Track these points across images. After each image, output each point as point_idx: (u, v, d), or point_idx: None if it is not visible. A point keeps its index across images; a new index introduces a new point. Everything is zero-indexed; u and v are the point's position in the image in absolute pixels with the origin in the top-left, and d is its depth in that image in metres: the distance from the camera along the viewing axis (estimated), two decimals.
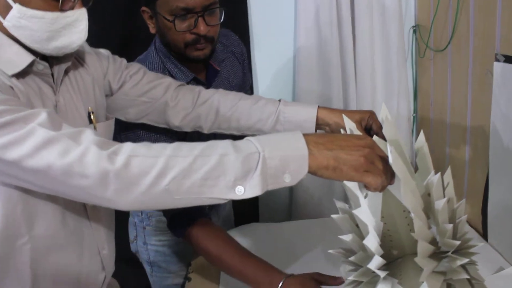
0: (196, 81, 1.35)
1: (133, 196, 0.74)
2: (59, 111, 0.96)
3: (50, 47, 0.88)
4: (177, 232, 1.20)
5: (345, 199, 1.93)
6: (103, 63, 1.11)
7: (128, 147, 0.75)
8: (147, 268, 1.60)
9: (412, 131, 2.09)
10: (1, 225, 0.86)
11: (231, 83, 1.44)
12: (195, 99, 1.20)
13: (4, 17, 0.84)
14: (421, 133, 0.89)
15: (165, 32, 1.25)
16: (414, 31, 2.01)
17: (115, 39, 1.83)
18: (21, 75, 0.88)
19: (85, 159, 0.73)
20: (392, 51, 1.95)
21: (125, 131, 1.26)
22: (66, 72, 0.99)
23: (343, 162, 0.74)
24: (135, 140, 1.25)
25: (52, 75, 0.95)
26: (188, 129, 1.22)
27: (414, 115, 2.08)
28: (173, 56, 1.31)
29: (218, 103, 1.19)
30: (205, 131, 1.22)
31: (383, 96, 1.97)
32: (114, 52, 1.20)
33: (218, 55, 1.40)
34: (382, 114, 0.93)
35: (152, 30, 1.30)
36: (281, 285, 1.03)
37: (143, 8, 1.28)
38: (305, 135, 0.77)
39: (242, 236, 1.50)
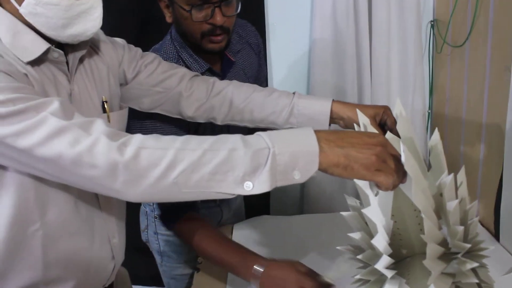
0: (210, 72, 1.35)
1: (142, 188, 0.74)
2: (74, 100, 0.97)
3: (65, 34, 0.88)
4: (167, 226, 1.25)
5: (357, 195, 1.91)
6: (118, 52, 1.12)
7: (137, 139, 0.75)
8: (157, 258, 1.61)
9: (427, 127, 2.06)
10: (14, 210, 0.87)
11: (247, 74, 1.44)
12: (209, 90, 1.20)
13: (20, 4, 0.85)
14: (436, 131, 0.88)
15: (181, 22, 1.25)
16: (432, 26, 1.97)
17: (131, 28, 1.84)
18: (36, 62, 0.88)
19: (95, 149, 0.73)
20: (409, 45, 1.92)
21: (132, 119, 1.27)
22: (81, 60, 1.00)
23: (354, 160, 0.73)
24: (140, 129, 1.26)
25: (67, 63, 0.96)
26: (201, 120, 1.22)
27: (429, 111, 2.06)
28: (189, 46, 1.32)
29: (232, 95, 1.19)
30: (219, 123, 1.22)
31: (398, 91, 1.94)
32: (130, 41, 1.20)
33: (233, 46, 1.40)
34: (397, 110, 0.93)
35: (169, 19, 1.30)
36: (263, 270, 1.05)
37: None
38: (316, 131, 0.76)
39: (253, 229, 1.50)
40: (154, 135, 0.77)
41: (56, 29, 0.87)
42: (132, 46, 1.18)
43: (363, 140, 0.75)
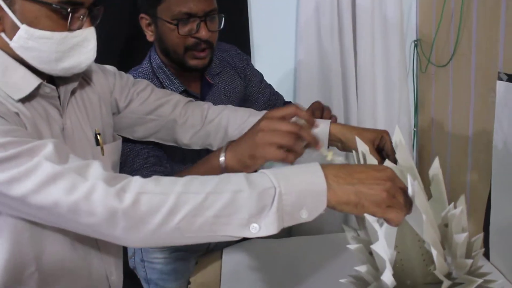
0: (187, 93, 1.33)
1: (143, 234, 0.71)
2: (66, 134, 0.94)
3: (58, 68, 0.86)
4: None
5: (345, 219, 1.91)
6: (109, 80, 1.09)
7: (137, 183, 0.72)
8: (144, 285, 1.57)
9: (413, 145, 2.08)
10: (8, 255, 0.82)
11: (230, 97, 1.43)
12: (204, 116, 1.17)
13: (11, 38, 0.82)
14: (436, 160, 0.87)
15: (165, 37, 1.26)
16: (416, 45, 2.00)
17: (115, 50, 1.82)
18: (27, 98, 0.85)
19: (92, 197, 0.70)
20: (393, 64, 1.94)
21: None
22: (73, 92, 0.97)
23: (364, 197, 0.71)
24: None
25: (59, 97, 0.93)
26: (197, 147, 1.20)
27: (415, 129, 2.07)
28: (169, 65, 1.31)
29: (227, 121, 1.16)
30: (214, 149, 1.18)
31: (384, 110, 1.95)
32: (114, 62, 1.17)
33: (212, 68, 1.40)
34: (396, 138, 0.91)
35: (150, 38, 1.30)
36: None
37: (142, 15, 1.28)
38: (323, 167, 0.73)
39: (243, 252, 1.48)
40: (154, 177, 0.74)
41: (49, 63, 0.85)
42: (123, 73, 1.16)
43: (372, 175, 0.73)
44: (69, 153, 0.76)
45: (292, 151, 0.87)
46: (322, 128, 1.11)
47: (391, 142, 1.04)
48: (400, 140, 0.88)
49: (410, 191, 0.73)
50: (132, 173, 1.11)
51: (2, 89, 0.82)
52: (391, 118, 1.97)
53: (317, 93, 1.93)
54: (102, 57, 1.11)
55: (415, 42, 2.00)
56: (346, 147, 1.11)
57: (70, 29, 0.84)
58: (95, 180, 0.71)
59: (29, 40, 0.81)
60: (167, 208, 0.69)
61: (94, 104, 1.03)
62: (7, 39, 0.83)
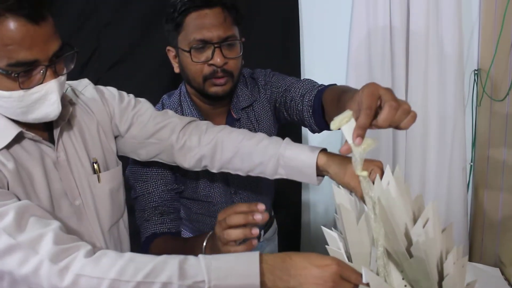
0: None
1: None
2: (60, 166, 1.00)
3: (30, 119, 0.92)
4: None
5: None
6: (109, 106, 1.14)
7: (78, 264, 0.79)
8: None
9: (468, 182, 1.96)
10: None
11: (253, 132, 1.34)
12: (200, 139, 1.17)
13: None
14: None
15: (185, 67, 1.26)
16: (476, 75, 1.88)
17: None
18: (16, 141, 0.93)
19: (39, 273, 0.79)
20: (449, 95, 1.84)
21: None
22: (69, 122, 1.03)
23: None
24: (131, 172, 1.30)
25: (51, 134, 1.00)
26: (198, 169, 1.20)
27: (472, 164, 1.95)
28: (194, 95, 1.32)
29: (221, 143, 1.16)
30: (214, 171, 1.19)
31: (435, 142, 1.86)
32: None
33: (240, 102, 1.36)
34: (386, 176, 0.86)
35: (176, 69, 1.31)
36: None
37: (168, 47, 1.30)
38: (264, 257, 0.78)
39: None
40: (96, 256, 0.81)
41: (18, 116, 0.91)
42: (124, 94, 1.20)
43: (312, 274, 0.75)
44: (29, 218, 0.83)
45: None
46: (309, 158, 1.05)
47: (383, 174, 0.93)
48: (389, 179, 0.82)
49: (364, 279, 0.74)
50: (143, 220, 1.26)
51: None
52: (443, 152, 1.87)
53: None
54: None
55: (476, 72, 1.88)
56: (334, 178, 1.03)
57: (25, 88, 0.87)
58: (43, 256, 0.79)
59: None
60: None
61: (92, 132, 1.08)
62: None
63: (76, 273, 0.78)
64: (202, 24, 1.20)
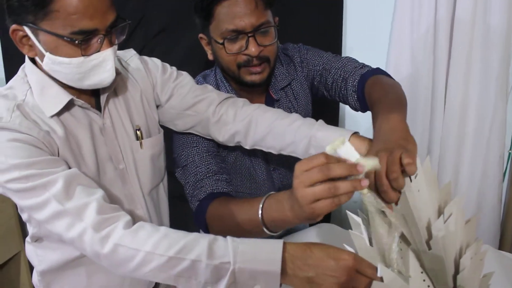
0: None
1: (122, 273, 0.89)
2: (106, 132, 1.08)
3: (85, 85, 1.00)
4: (200, 222, 1.17)
5: None
6: (152, 76, 1.19)
7: (117, 234, 0.87)
8: None
9: (505, 169, 1.93)
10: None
11: (292, 110, 1.38)
12: (236, 115, 1.21)
13: (42, 62, 0.97)
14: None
15: (218, 56, 1.26)
16: None
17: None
18: (67, 109, 1.01)
19: (83, 238, 0.88)
20: (491, 78, 1.80)
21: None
22: (115, 91, 1.10)
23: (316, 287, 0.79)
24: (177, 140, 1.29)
25: (98, 102, 1.07)
26: (231, 144, 1.24)
27: (511, 151, 1.92)
28: (230, 80, 1.32)
29: (256, 121, 1.19)
30: (247, 147, 1.22)
31: (473, 130, 1.84)
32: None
33: (278, 82, 1.35)
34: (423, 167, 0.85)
35: (210, 56, 1.31)
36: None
37: (200, 35, 1.30)
38: (287, 246, 0.82)
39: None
40: (135, 227, 0.89)
41: (75, 82, 0.99)
42: (167, 66, 1.24)
43: (328, 266, 0.79)
44: (77, 186, 0.92)
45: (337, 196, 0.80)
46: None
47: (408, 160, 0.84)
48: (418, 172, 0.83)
49: (379, 274, 0.76)
50: (197, 183, 1.20)
51: (40, 105, 0.98)
52: (481, 137, 1.85)
53: None
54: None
55: None
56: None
57: (85, 55, 0.94)
58: (87, 224, 0.88)
59: (53, 65, 0.96)
60: (137, 261, 0.86)
61: (136, 100, 1.15)
62: (41, 62, 0.98)
63: (116, 242, 0.87)
64: (234, 13, 1.17)
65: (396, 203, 0.83)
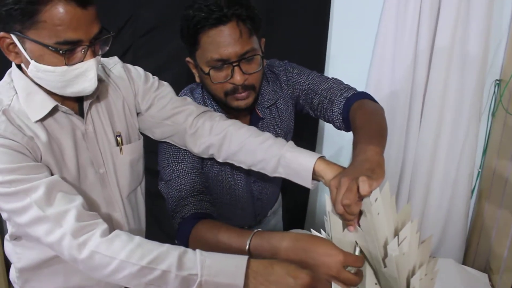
0: None
1: (97, 276, 0.95)
2: (88, 137, 1.12)
3: (68, 92, 1.03)
4: (182, 239, 1.19)
5: None
6: (134, 85, 1.23)
7: (94, 241, 0.93)
8: None
9: (473, 187, 2.01)
10: None
11: (277, 129, 1.42)
12: (212, 129, 1.24)
13: (27, 69, 1.01)
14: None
15: (205, 84, 1.27)
16: (496, 86, 1.91)
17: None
18: (50, 114, 1.05)
19: (61, 243, 0.94)
20: (466, 102, 1.87)
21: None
22: (98, 98, 1.14)
23: None
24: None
25: (81, 108, 1.11)
26: (205, 156, 1.28)
27: (480, 170, 2.00)
28: (216, 100, 1.32)
29: (230, 136, 1.23)
30: (219, 160, 1.26)
31: (446, 147, 1.91)
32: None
33: (264, 100, 1.37)
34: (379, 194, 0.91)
35: (197, 79, 1.31)
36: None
37: (187, 59, 1.30)
38: (251, 263, 0.90)
39: None
40: (111, 236, 0.95)
41: (58, 89, 1.02)
42: (149, 75, 1.28)
43: (287, 283, 0.87)
44: (57, 192, 0.97)
45: None
46: (308, 162, 1.12)
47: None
48: (377, 196, 0.89)
49: None
50: (180, 200, 1.21)
51: (25, 110, 1.01)
52: (453, 155, 1.93)
53: None
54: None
55: (497, 82, 1.91)
56: (327, 185, 1.07)
57: (69, 64, 0.98)
58: (66, 230, 0.93)
59: (38, 72, 0.99)
60: (111, 269, 0.92)
61: (118, 108, 1.19)
62: (26, 70, 1.01)
63: (92, 249, 0.92)
64: (218, 43, 1.17)
65: (359, 224, 0.91)
